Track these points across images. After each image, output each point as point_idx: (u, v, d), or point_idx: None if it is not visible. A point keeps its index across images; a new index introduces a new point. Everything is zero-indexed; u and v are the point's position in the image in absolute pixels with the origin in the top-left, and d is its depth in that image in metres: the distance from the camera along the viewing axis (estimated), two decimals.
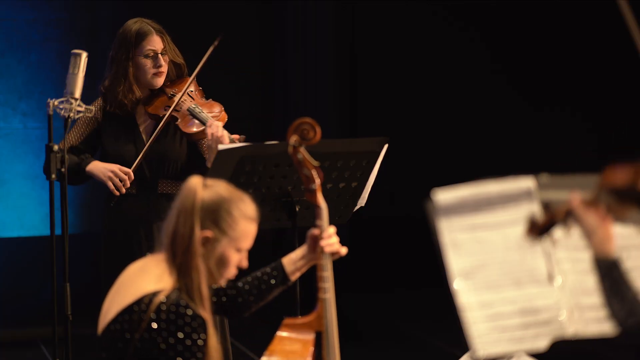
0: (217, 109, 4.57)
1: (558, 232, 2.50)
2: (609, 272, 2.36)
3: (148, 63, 4.51)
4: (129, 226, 4.51)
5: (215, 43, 4.51)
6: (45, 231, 7.36)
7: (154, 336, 2.80)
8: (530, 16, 8.33)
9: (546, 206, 2.50)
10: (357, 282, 8.10)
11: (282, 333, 3.14)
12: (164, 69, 4.55)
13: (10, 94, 7.66)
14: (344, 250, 3.28)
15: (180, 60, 4.62)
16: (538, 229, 2.50)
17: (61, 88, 4.21)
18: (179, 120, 4.51)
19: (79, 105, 4.17)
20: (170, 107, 4.52)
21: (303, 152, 3.25)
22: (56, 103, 4.16)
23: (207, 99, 4.65)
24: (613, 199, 2.37)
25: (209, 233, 2.90)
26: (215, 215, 2.90)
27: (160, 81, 4.56)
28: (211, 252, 2.91)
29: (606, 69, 8.30)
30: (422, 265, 6.49)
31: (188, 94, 4.58)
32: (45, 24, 7.69)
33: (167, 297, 2.82)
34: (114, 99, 4.51)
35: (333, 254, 3.28)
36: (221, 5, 7.88)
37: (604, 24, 8.19)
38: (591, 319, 2.61)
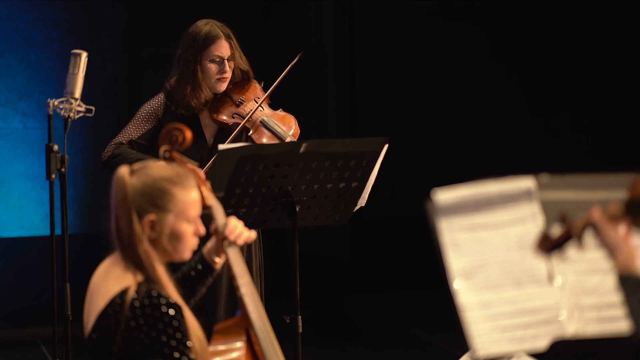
0: (291, 123, 4.56)
1: (571, 249, 2.44)
2: (635, 289, 2.28)
3: (213, 68, 4.49)
4: None
5: (295, 61, 4.50)
6: (45, 231, 7.36)
7: (135, 334, 2.79)
8: (531, 15, 8.33)
9: (563, 219, 2.43)
10: (358, 282, 8.10)
11: (212, 347, 3.09)
12: (228, 75, 4.53)
13: (10, 94, 7.67)
14: (253, 234, 3.21)
15: (245, 67, 4.59)
16: (551, 244, 2.44)
17: (61, 88, 4.21)
18: (252, 132, 4.48)
19: (79, 105, 4.17)
20: (238, 114, 4.51)
21: (178, 158, 3.22)
22: (56, 103, 4.16)
23: (275, 109, 4.63)
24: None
25: (152, 216, 2.88)
26: (150, 197, 2.88)
27: (223, 86, 4.54)
28: (161, 233, 2.89)
29: (606, 70, 8.30)
30: (422, 265, 6.49)
31: (255, 101, 4.57)
32: (45, 24, 7.69)
33: (137, 292, 2.81)
34: (181, 99, 4.48)
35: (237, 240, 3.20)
36: (221, 5, 7.88)
37: (604, 25, 8.20)
38: (591, 319, 2.61)
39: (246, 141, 4.53)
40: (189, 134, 3.21)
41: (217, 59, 4.50)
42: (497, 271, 2.58)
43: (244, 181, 4.00)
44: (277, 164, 4.04)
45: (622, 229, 2.31)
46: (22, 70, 7.68)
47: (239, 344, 3.12)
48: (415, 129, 8.10)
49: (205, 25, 4.53)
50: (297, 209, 4.13)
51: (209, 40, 4.48)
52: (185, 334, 2.80)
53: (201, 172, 3.20)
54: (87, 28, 7.75)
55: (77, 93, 4.19)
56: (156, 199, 2.88)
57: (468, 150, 8.17)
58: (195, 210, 2.94)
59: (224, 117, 4.52)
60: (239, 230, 3.16)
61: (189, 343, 2.80)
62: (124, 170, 2.90)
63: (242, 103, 4.56)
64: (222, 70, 4.50)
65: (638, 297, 2.27)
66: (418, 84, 8.21)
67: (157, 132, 4.48)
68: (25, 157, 7.66)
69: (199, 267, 3.21)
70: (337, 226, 5.71)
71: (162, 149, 3.23)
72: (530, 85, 8.37)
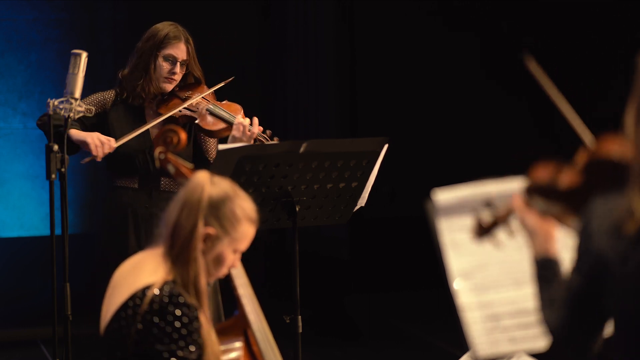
0: (237, 109, 4.65)
1: (501, 234, 2.50)
2: (544, 270, 2.34)
3: (165, 66, 4.60)
4: (128, 220, 4.55)
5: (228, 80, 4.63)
6: (45, 231, 7.36)
7: (150, 329, 2.80)
8: (532, 15, 8.33)
9: (489, 205, 2.49)
10: (358, 282, 8.10)
11: None
12: (177, 77, 4.63)
13: (10, 94, 7.67)
14: None
15: (199, 73, 4.69)
16: (482, 230, 2.50)
17: (61, 88, 4.21)
18: (198, 120, 4.58)
19: (79, 105, 4.16)
20: (186, 108, 4.60)
21: (173, 159, 3.21)
22: (56, 103, 4.16)
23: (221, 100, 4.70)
24: (539, 198, 2.36)
25: (211, 230, 2.89)
26: (219, 212, 2.90)
27: (169, 87, 4.63)
28: (210, 250, 2.91)
29: (605, 69, 8.30)
30: (422, 265, 6.49)
31: (204, 97, 4.64)
32: (45, 24, 7.69)
33: (160, 289, 2.82)
34: (132, 88, 4.60)
35: None
36: (221, 5, 7.88)
37: (601, 24, 8.20)
38: None
39: (193, 130, 4.62)
40: (183, 136, 3.21)
41: (171, 59, 4.60)
42: (497, 271, 2.58)
43: (244, 181, 4.00)
44: (277, 164, 4.04)
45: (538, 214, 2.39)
46: (22, 70, 7.68)
47: (238, 345, 3.12)
48: (415, 129, 8.10)
49: (169, 26, 4.66)
50: (297, 209, 4.13)
51: (168, 39, 4.61)
52: (192, 335, 2.80)
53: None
54: (87, 28, 7.75)
55: (77, 93, 4.18)
56: (224, 218, 2.90)
57: (468, 150, 8.17)
58: (245, 245, 2.97)
59: (170, 110, 4.60)
60: None
61: (195, 347, 2.80)
62: (205, 176, 2.92)
63: (188, 98, 4.62)
64: (172, 71, 4.60)
65: (545, 276, 2.32)
66: (418, 84, 8.21)
67: (100, 120, 4.62)
68: (25, 157, 7.66)
69: None
70: (337, 226, 5.70)
71: (157, 150, 3.23)
72: (531, 85, 8.36)
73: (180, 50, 4.61)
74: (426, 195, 2.63)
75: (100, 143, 4.44)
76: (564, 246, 2.41)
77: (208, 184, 2.90)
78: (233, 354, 3.11)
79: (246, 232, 2.94)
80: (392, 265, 8.15)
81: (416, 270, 7.75)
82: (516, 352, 2.62)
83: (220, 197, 2.91)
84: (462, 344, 2.57)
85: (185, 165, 3.23)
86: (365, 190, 4.30)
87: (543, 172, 2.35)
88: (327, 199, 4.22)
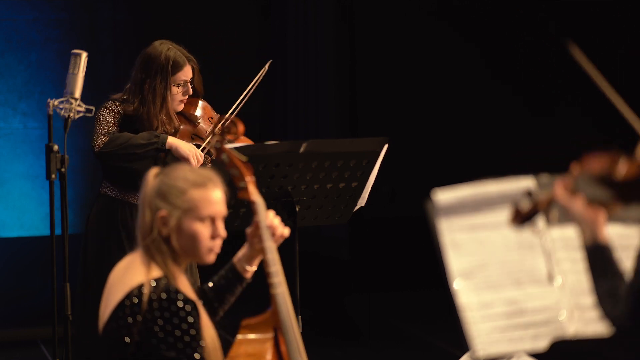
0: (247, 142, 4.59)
1: (540, 222, 2.52)
2: (597, 257, 2.36)
3: (179, 91, 4.57)
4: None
5: (262, 72, 4.64)
6: (45, 231, 7.36)
7: (150, 326, 2.82)
8: (532, 15, 8.33)
9: (529, 194, 2.50)
10: (358, 282, 8.10)
11: (240, 336, 3.10)
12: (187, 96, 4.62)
13: (10, 94, 7.67)
14: (286, 231, 3.22)
15: (200, 86, 4.67)
16: (521, 217, 2.51)
17: (61, 88, 4.21)
18: (215, 157, 4.55)
19: (79, 105, 4.16)
20: (197, 135, 4.60)
21: (228, 150, 3.20)
22: (56, 103, 4.16)
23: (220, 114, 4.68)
24: (591, 187, 2.38)
25: (163, 212, 2.90)
26: (164, 194, 2.91)
27: (182, 107, 4.62)
28: (174, 230, 2.91)
29: (604, 68, 8.29)
30: (422, 265, 6.49)
31: (209, 120, 4.65)
32: (45, 24, 7.69)
33: (156, 286, 2.84)
34: (150, 123, 4.52)
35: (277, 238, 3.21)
36: (221, 5, 7.88)
37: (601, 23, 8.20)
38: (591, 319, 2.61)
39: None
40: (241, 128, 3.20)
41: (183, 83, 4.58)
42: (497, 271, 2.58)
43: None
44: (277, 164, 4.04)
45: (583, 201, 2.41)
46: (22, 70, 7.68)
47: (265, 338, 3.11)
48: (415, 129, 8.10)
49: (168, 51, 4.59)
50: (297, 209, 4.13)
51: (177, 66, 4.56)
52: (199, 331, 2.82)
53: (249, 168, 3.18)
54: (87, 28, 7.75)
55: (77, 93, 4.18)
56: (167, 194, 2.91)
57: (468, 150, 8.17)
58: (208, 210, 2.93)
59: (184, 138, 4.57)
60: (276, 223, 3.18)
61: (201, 342, 2.83)
62: (151, 172, 2.96)
63: (198, 123, 4.61)
64: (186, 92, 4.60)
65: (599, 264, 2.33)
66: (418, 84, 8.21)
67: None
68: (25, 157, 7.66)
69: (229, 275, 3.22)
70: (337, 226, 5.71)
71: (214, 139, 3.22)
72: (531, 85, 8.37)
73: (189, 72, 4.58)
74: (426, 195, 2.63)
75: (200, 160, 4.44)
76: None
77: (152, 178, 2.94)
78: (258, 346, 3.10)
79: (198, 198, 2.92)
80: (392, 265, 8.15)
81: (416, 270, 7.75)
82: (516, 352, 2.62)
83: (161, 182, 2.93)
84: (462, 344, 2.57)
85: (238, 157, 3.22)
86: (365, 190, 4.30)
87: (599, 162, 2.36)
88: (327, 199, 4.22)
